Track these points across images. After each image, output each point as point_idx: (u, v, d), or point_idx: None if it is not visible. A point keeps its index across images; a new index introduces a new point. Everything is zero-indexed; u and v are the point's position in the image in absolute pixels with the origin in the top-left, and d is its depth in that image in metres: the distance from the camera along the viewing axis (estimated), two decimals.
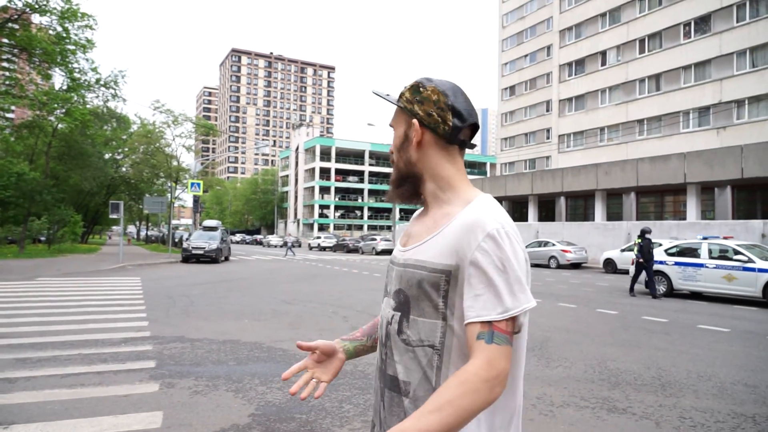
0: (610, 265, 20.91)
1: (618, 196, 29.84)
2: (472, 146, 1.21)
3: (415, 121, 1.16)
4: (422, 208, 1.27)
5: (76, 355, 5.70)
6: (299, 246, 54.96)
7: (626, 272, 19.22)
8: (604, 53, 40.90)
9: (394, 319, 1.16)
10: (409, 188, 1.21)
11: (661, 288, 12.51)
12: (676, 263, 12.26)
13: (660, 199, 29.09)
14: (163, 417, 3.89)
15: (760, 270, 10.81)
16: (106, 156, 37.79)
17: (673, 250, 12.70)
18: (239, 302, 10.33)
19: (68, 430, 3.61)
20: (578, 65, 43.72)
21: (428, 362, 1.08)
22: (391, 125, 1.25)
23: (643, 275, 12.53)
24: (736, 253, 11.45)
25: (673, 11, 35.28)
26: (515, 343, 1.06)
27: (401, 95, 1.21)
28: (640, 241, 12.62)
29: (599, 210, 30.37)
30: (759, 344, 7.10)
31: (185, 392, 4.50)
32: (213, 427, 3.73)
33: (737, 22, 31.56)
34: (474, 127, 1.18)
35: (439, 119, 1.14)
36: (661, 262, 12.60)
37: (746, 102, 31.01)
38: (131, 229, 78.12)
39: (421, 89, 1.17)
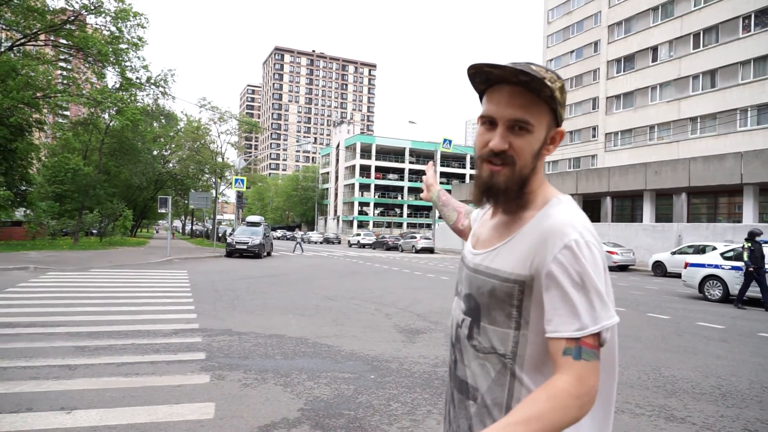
0: (659, 268, 20.18)
1: (668, 197, 28.77)
2: None
3: (562, 130, 1.08)
4: (490, 209, 1.20)
5: (130, 345, 5.89)
6: (338, 243, 55.45)
7: (677, 276, 18.51)
8: (655, 48, 39.46)
9: (464, 324, 1.12)
10: (523, 197, 1.09)
11: (716, 293, 11.97)
12: (733, 267, 11.68)
13: (713, 201, 27.86)
14: (216, 408, 3.97)
15: None
16: (155, 152, 39.08)
17: (730, 254, 12.12)
18: (283, 297, 10.48)
19: (126, 417, 3.72)
20: (627, 61, 42.34)
21: (500, 371, 1.04)
22: (520, 119, 1.04)
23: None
24: None
25: (731, 3, 33.64)
26: (606, 357, 1.03)
27: (552, 91, 1.03)
28: (750, 245, 10.96)
29: (648, 211, 29.35)
30: None
31: (235, 384, 4.58)
32: (264, 420, 3.77)
33: None
34: None
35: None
36: (717, 266, 12.05)
37: None
38: (176, 223, 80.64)
39: (565, 91, 1.08)
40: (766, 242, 11.72)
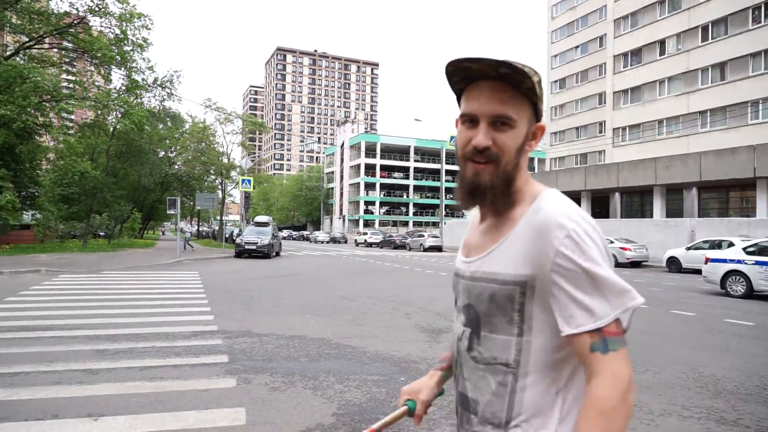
0: (674, 264, 19.90)
1: (678, 192, 28.47)
2: None
3: (543, 125, 1.06)
4: (478, 215, 1.15)
5: (150, 348, 5.75)
6: (345, 242, 55.25)
7: (692, 272, 18.29)
8: (662, 42, 39.09)
9: (464, 336, 1.08)
10: (510, 195, 1.06)
11: (740, 288, 11.72)
12: (757, 263, 11.42)
13: (725, 195, 27.56)
14: (246, 413, 3.82)
15: None
16: (161, 153, 38.98)
17: (752, 249, 11.87)
18: (298, 297, 10.33)
19: (156, 424, 3.57)
20: (634, 55, 42.01)
21: (500, 381, 1.00)
22: (503, 115, 1.01)
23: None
24: None
25: None
26: None
27: (531, 86, 1.01)
28: None
29: (658, 206, 29.06)
30: None
31: (263, 388, 4.42)
32: (298, 426, 3.62)
33: None
34: None
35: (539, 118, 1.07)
36: (739, 261, 11.80)
37: None
38: (183, 225, 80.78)
39: (542, 87, 1.04)
40: None
